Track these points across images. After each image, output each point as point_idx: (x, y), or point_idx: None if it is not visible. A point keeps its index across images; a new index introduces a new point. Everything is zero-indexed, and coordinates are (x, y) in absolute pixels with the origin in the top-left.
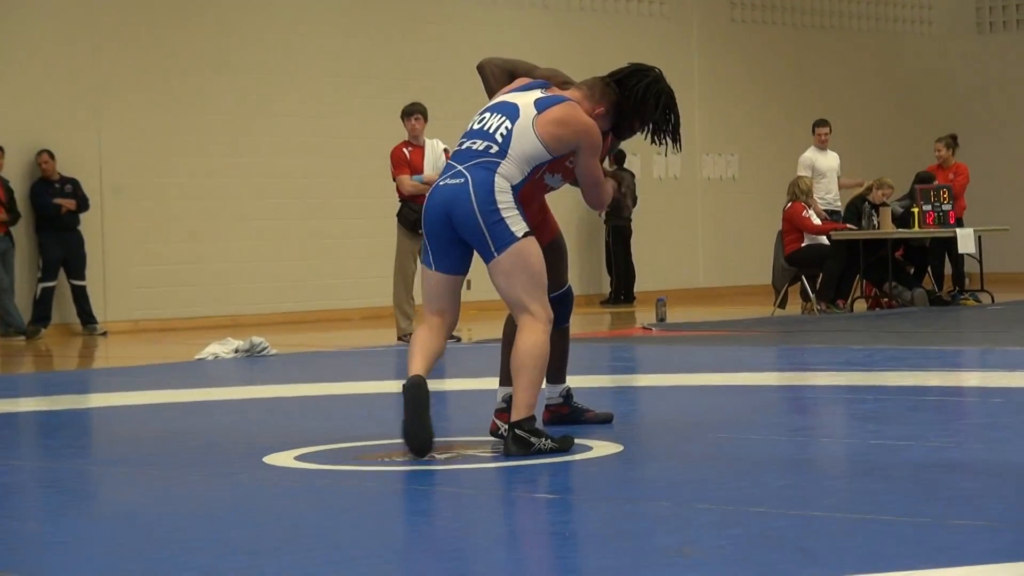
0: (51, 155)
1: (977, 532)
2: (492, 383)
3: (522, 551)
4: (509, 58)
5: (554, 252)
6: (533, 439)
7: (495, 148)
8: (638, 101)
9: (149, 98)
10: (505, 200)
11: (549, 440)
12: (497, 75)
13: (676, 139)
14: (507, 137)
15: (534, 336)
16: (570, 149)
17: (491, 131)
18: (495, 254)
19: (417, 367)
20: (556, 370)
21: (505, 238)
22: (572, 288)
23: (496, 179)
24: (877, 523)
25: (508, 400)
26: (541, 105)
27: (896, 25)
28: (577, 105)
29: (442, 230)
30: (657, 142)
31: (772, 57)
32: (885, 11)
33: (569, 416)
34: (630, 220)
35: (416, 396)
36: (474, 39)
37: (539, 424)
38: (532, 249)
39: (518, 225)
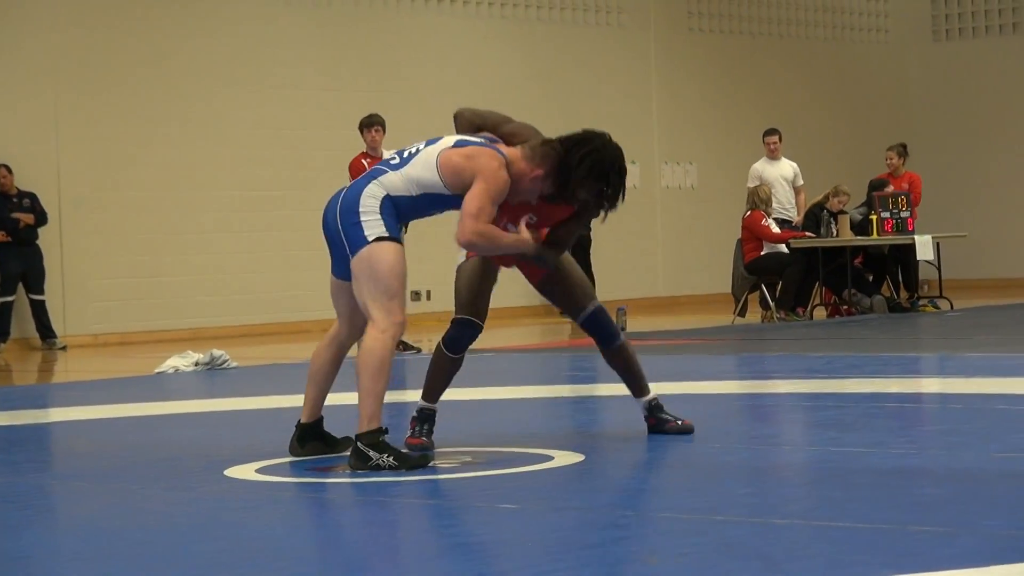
0: (9, 170)
1: (937, 538)
2: (453, 394)
3: (483, 561)
4: (483, 111)
5: (559, 275)
6: (372, 453)
7: (396, 160)
8: (573, 170)
9: (107, 111)
10: (369, 205)
11: (390, 457)
12: (463, 126)
13: (610, 207)
14: (411, 156)
15: (370, 343)
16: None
17: (405, 151)
18: (351, 258)
19: (304, 412)
20: (633, 386)
21: (358, 242)
22: (600, 307)
23: (370, 186)
24: (838, 530)
25: (418, 411)
26: (460, 144)
27: (853, 33)
28: (493, 154)
29: (330, 236)
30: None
31: (730, 66)
32: (842, 20)
33: (655, 427)
34: (590, 229)
35: (308, 453)
36: (433, 50)
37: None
38: (382, 254)
39: (373, 229)
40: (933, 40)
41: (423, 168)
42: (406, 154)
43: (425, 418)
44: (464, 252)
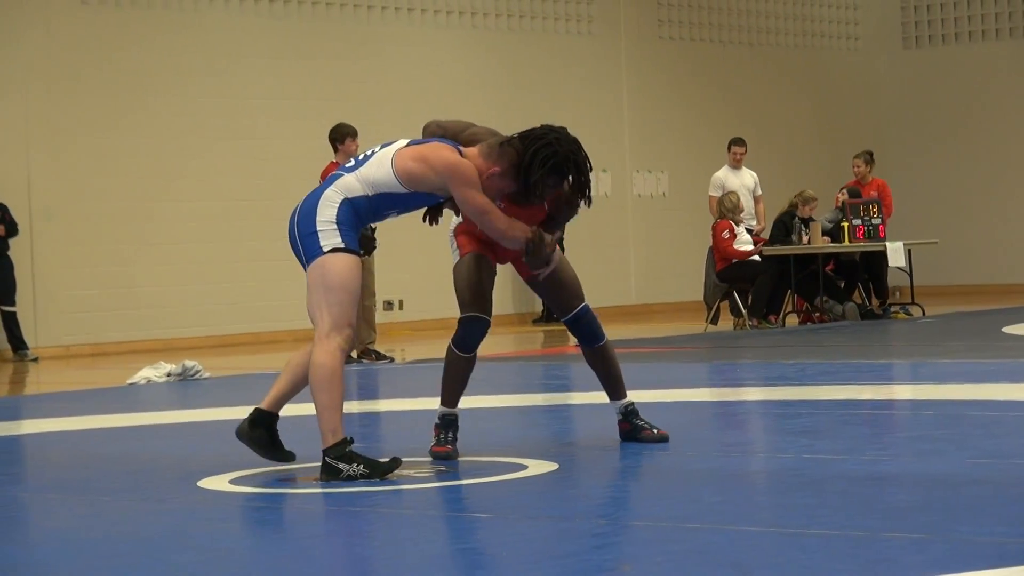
0: None
1: (911, 544)
2: (428, 403)
3: (458, 571)
4: (446, 121)
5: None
6: (341, 465)
7: (351, 163)
8: (529, 166)
9: (77, 121)
10: (327, 213)
11: (360, 465)
12: (428, 137)
13: (577, 204)
14: (366, 158)
15: (319, 356)
16: (432, 188)
17: (361, 155)
18: (305, 266)
19: (266, 400)
20: (609, 388)
21: (313, 252)
22: (586, 308)
23: (328, 191)
24: (811, 537)
25: (440, 417)
26: (413, 143)
27: (823, 41)
28: (443, 147)
29: (292, 244)
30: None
31: (700, 74)
32: (812, 27)
33: (630, 433)
34: (562, 238)
35: (252, 438)
36: (404, 59)
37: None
38: (334, 266)
39: (329, 240)
40: (903, 47)
41: (377, 168)
42: (361, 157)
43: (448, 424)
44: (457, 251)
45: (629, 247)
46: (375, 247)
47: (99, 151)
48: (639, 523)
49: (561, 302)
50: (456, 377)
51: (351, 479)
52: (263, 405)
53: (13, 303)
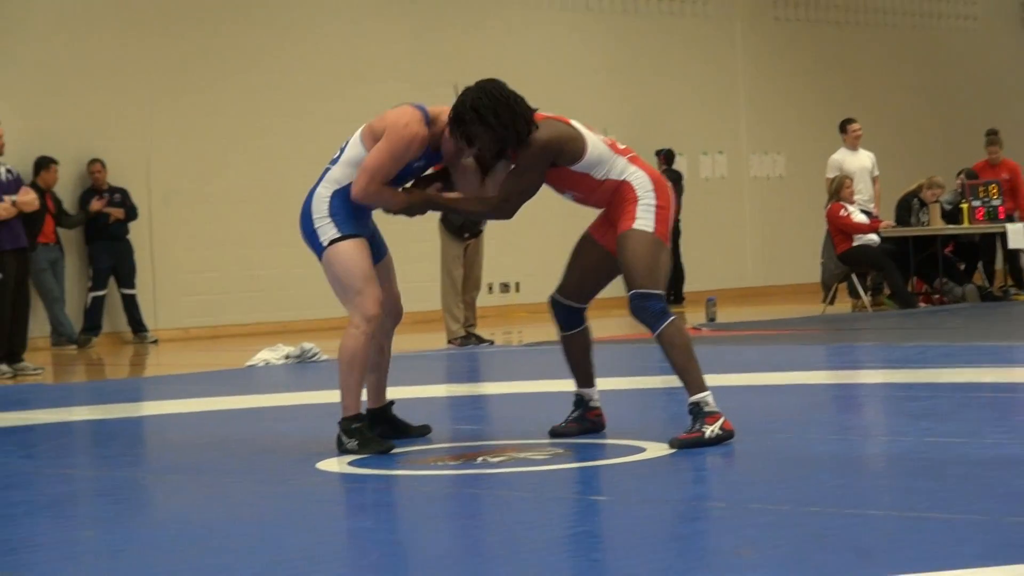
0: (103, 165)
1: None
2: (541, 386)
3: (575, 554)
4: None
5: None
6: (344, 438)
7: (337, 154)
8: (459, 121)
9: (197, 106)
10: (320, 209)
11: (354, 442)
12: None
13: (502, 143)
14: (345, 145)
15: (344, 340)
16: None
17: (344, 143)
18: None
19: (368, 399)
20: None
21: (318, 249)
22: (633, 295)
23: (319, 188)
24: (933, 521)
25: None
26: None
27: (940, 20)
28: (405, 110)
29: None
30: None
31: (816, 55)
32: (928, 6)
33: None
34: (678, 221)
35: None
36: (519, 41)
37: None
38: (338, 256)
39: (326, 234)
40: (1022, 25)
41: (351, 147)
42: (344, 144)
43: (575, 402)
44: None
45: (746, 229)
46: (481, 231)
47: (218, 135)
48: (758, 506)
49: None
50: (567, 357)
51: (348, 452)
52: (371, 405)
53: (133, 286)
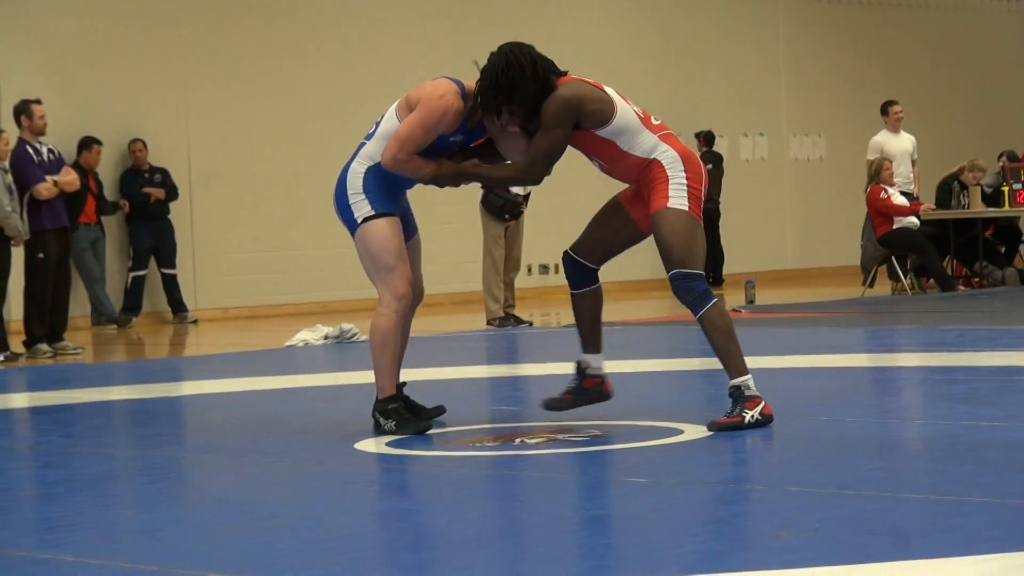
0: (144, 144)
1: None
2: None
3: (613, 535)
4: None
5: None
6: (381, 419)
7: (372, 129)
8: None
9: (237, 86)
10: (355, 185)
11: (392, 422)
12: None
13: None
14: (380, 120)
15: (375, 319)
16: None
17: (379, 117)
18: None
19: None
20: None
21: (351, 225)
22: (674, 275)
23: (354, 164)
24: (970, 505)
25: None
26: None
27: (982, 3)
28: (441, 82)
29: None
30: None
31: (858, 36)
32: None
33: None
34: (718, 203)
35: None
36: (560, 25)
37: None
38: (371, 233)
39: (360, 211)
40: None
41: (386, 121)
42: (379, 118)
43: (575, 370)
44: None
45: (785, 211)
46: (521, 212)
47: (257, 115)
48: (796, 489)
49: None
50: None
51: (385, 433)
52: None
53: (173, 266)
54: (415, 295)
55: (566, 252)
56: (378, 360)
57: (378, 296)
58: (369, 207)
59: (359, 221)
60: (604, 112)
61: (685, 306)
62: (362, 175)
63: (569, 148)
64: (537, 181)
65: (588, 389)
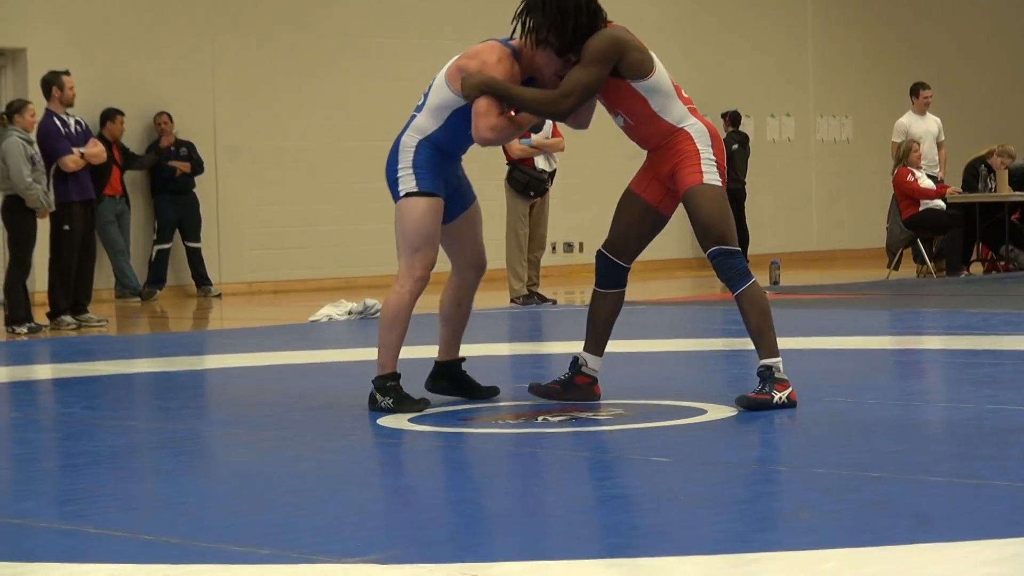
0: (170, 117)
1: None
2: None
3: (635, 514)
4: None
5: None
6: (378, 396)
7: (420, 101)
8: (540, 28)
9: (262, 63)
10: (405, 159)
11: (389, 399)
12: None
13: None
14: (428, 91)
15: (389, 296)
16: None
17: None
18: None
19: (439, 351)
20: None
21: (395, 197)
22: (715, 252)
23: (405, 136)
24: (993, 488)
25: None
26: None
27: None
28: (493, 46)
29: None
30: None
31: (886, 17)
32: None
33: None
34: (743, 184)
35: (437, 390)
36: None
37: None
38: (409, 210)
39: (406, 184)
40: None
41: (436, 91)
42: (427, 89)
43: (571, 364)
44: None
45: (811, 192)
46: (547, 189)
47: (283, 90)
48: (818, 470)
49: (699, 241)
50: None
51: (382, 410)
52: (438, 358)
53: (198, 239)
54: (475, 266)
55: (599, 251)
56: (384, 336)
57: (397, 272)
58: (414, 183)
59: (401, 195)
60: (645, 65)
61: (724, 283)
62: (413, 148)
63: (595, 124)
64: (564, 115)
65: (578, 386)
